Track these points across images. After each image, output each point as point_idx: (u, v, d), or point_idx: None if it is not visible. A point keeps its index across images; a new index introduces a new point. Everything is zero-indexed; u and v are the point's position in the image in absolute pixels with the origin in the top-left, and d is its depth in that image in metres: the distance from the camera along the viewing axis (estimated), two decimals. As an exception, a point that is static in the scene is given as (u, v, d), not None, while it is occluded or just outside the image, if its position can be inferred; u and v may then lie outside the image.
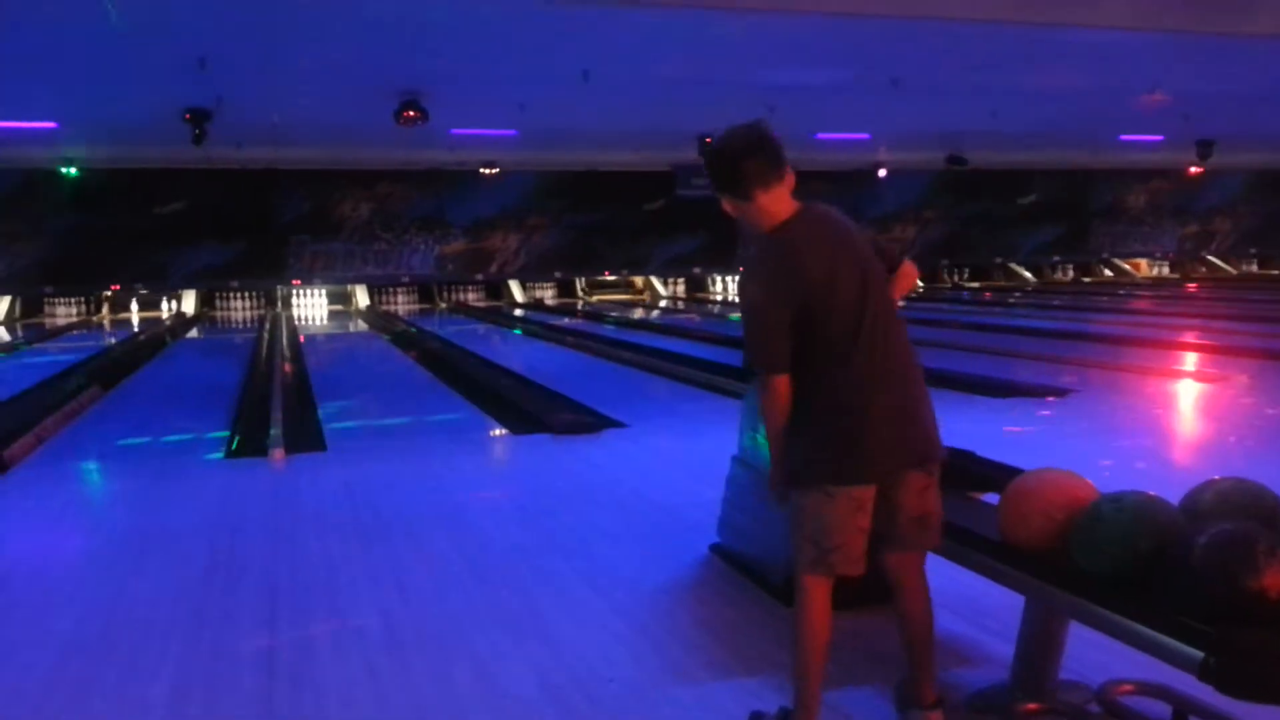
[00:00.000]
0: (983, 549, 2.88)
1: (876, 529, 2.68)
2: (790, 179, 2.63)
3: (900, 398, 2.61)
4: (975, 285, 25.79)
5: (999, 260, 26.96)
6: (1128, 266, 27.88)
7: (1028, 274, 26.70)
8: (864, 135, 18.56)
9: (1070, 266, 27.60)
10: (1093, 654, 3.05)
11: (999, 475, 3.39)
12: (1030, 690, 2.82)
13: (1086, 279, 26.86)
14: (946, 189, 26.00)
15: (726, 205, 2.67)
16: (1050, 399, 8.26)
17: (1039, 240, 27.24)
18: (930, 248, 26.74)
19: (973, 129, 17.34)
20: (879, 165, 23.05)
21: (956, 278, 26.65)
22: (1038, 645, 2.86)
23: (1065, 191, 27.00)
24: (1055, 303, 18.97)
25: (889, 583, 2.79)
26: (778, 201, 2.61)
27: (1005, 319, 15.88)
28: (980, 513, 3.18)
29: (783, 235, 2.62)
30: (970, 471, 3.63)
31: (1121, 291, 22.05)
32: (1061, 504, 2.65)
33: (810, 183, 25.15)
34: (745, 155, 2.59)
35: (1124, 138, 19.84)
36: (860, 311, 2.56)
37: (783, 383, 2.59)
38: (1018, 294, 22.19)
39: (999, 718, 2.81)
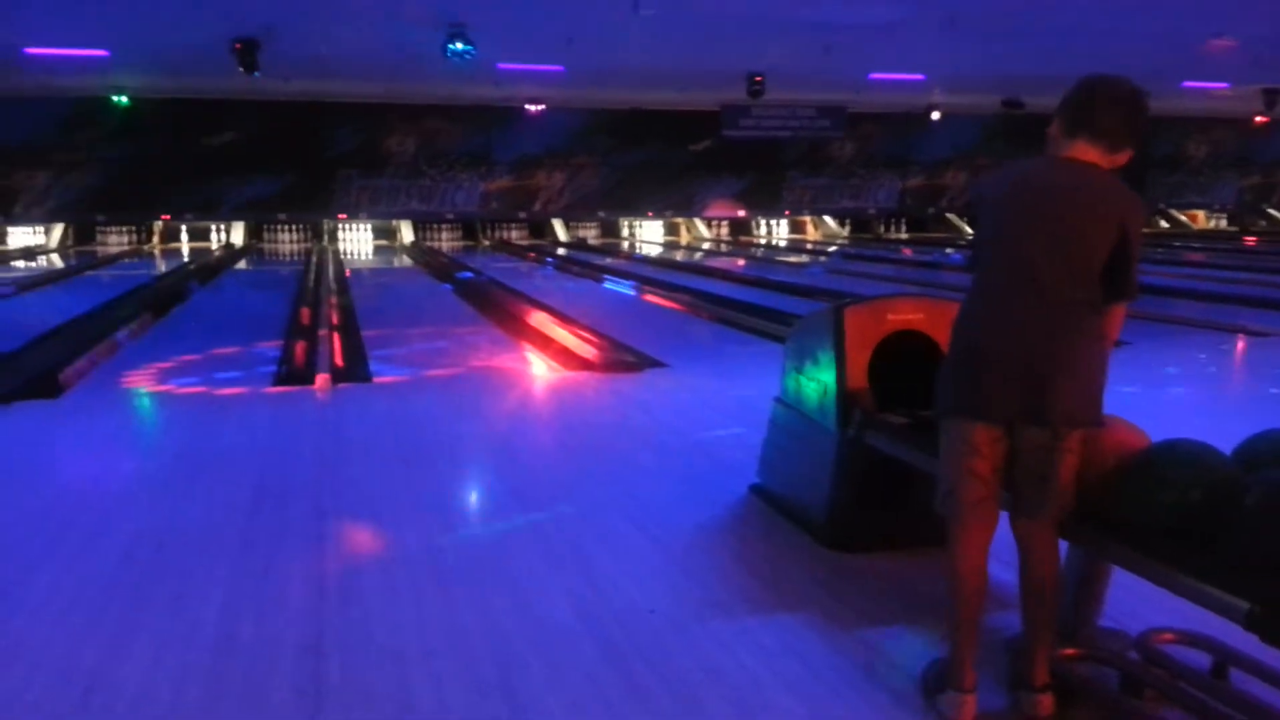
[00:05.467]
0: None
1: (1007, 486, 2.62)
2: (1118, 156, 2.57)
3: (1025, 348, 2.49)
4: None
5: (1051, 209, 26.40)
6: (1184, 218, 27.19)
7: (1080, 223, 26.13)
8: (918, 76, 18.14)
9: (1125, 216, 26.98)
10: (1133, 602, 3.04)
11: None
12: (1069, 636, 2.81)
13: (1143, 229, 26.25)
14: (1001, 134, 25.42)
15: (1053, 131, 2.67)
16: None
17: (1094, 189, 26.61)
18: (982, 194, 26.26)
19: (1030, 72, 16.85)
20: (932, 108, 22.56)
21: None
22: (1079, 592, 2.84)
23: (1124, 139, 26.27)
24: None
25: (1019, 548, 2.65)
26: (1065, 148, 2.60)
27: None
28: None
29: (1046, 160, 2.63)
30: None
31: (1177, 243, 21.52)
32: (1112, 450, 2.61)
33: (861, 124, 24.90)
34: (1114, 110, 2.56)
35: (1187, 84, 19.20)
36: (1024, 260, 2.51)
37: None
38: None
39: (1037, 662, 2.80)
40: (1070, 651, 2.77)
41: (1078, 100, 2.58)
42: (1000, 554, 3.60)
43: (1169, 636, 2.83)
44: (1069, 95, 2.61)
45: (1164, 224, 26.84)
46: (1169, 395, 6.69)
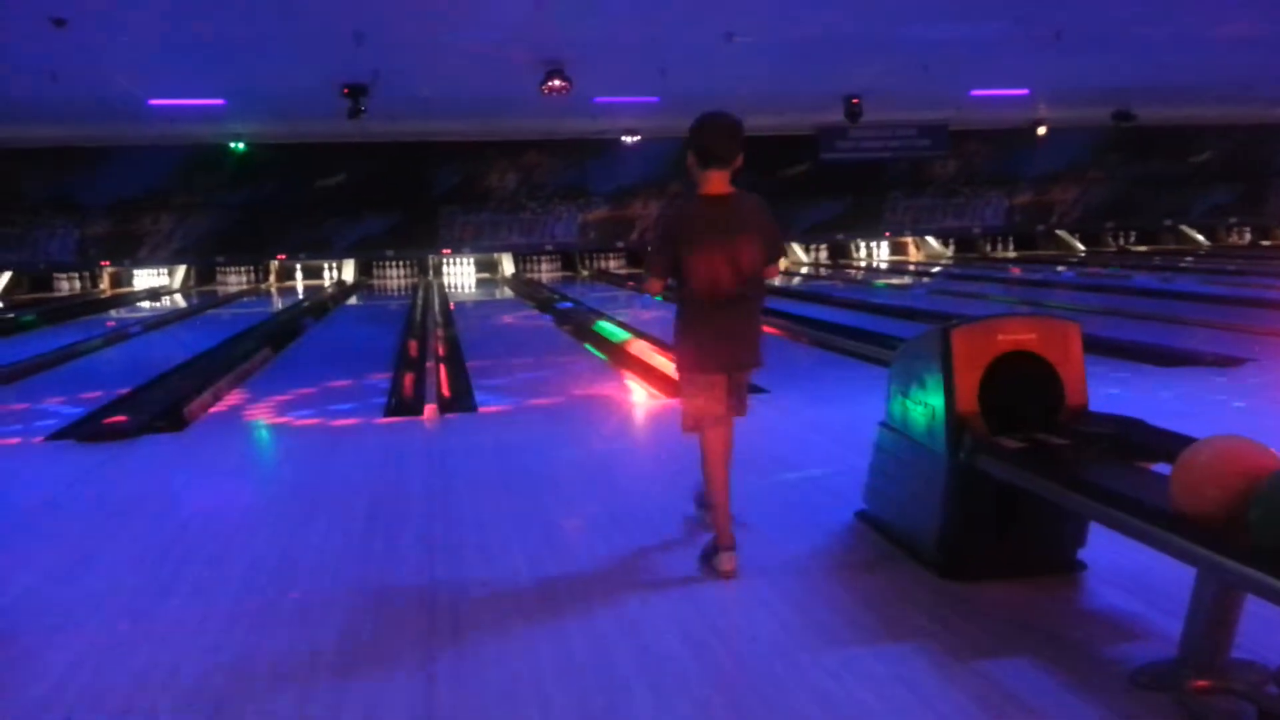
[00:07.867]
0: (1153, 520, 2.74)
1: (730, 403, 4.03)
2: (736, 166, 3.87)
3: (737, 327, 3.93)
4: (1144, 249, 24.43)
5: (1169, 222, 25.44)
6: (1317, 229, 25.86)
7: (1200, 237, 25.10)
8: (1022, 91, 17.73)
9: (1247, 229, 25.81)
10: (1269, 634, 2.89)
11: (1170, 444, 3.23)
12: (1200, 668, 2.68)
13: (1265, 242, 25.05)
14: (1112, 147, 24.63)
15: (690, 160, 3.92)
16: (1225, 368, 7.77)
17: (1212, 201, 25.54)
18: (1094, 210, 25.45)
19: (1141, 83, 16.34)
20: (1038, 123, 22.00)
21: (1123, 241, 25.28)
22: (1209, 621, 2.71)
23: (1242, 149, 25.16)
24: (1230, 268, 17.79)
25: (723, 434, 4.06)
26: (719, 180, 3.87)
27: (1176, 284, 15.00)
28: (1150, 483, 3.02)
29: (704, 201, 3.88)
30: (1140, 441, 3.45)
31: (1306, 255, 20.48)
32: (1239, 473, 2.50)
33: (964, 142, 24.44)
34: (727, 139, 3.86)
35: (1311, 88, 18.32)
36: (722, 268, 3.78)
37: (655, 285, 4.01)
38: (1190, 258, 20.89)
39: (1167, 695, 2.68)
40: (1203, 684, 2.64)
41: (701, 141, 3.87)
42: (1124, 582, 3.47)
43: (1311, 670, 2.67)
44: (694, 136, 3.88)
45: (1290, 236, 25.59)
46: (1302, 414, 6.35)
